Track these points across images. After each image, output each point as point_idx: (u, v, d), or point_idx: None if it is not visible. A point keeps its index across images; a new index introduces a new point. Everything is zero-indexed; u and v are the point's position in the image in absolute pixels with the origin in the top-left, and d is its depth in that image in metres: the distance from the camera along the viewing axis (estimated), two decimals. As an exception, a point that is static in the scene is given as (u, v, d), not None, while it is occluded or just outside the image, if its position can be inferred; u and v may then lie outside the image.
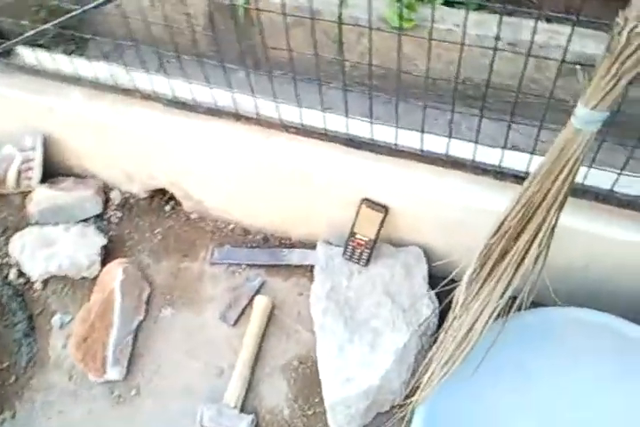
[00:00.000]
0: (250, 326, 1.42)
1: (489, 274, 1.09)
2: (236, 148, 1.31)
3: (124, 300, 1.41)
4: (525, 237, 1.00)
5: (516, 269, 1.04)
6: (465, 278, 1.10)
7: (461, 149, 1.13)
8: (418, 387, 1.25)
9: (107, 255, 1.53)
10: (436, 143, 1.14)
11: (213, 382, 1.37)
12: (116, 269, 1.43)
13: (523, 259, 1.03)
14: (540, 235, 0.99)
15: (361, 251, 1.33)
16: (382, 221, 1.29)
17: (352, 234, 1.33)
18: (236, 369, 1.36)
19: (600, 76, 0.79)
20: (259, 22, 1.23)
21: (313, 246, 1.51)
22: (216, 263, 1.53)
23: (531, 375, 1.23)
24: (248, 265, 1.52)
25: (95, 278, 1.50)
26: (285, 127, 1.23)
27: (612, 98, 0.81)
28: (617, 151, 1.05)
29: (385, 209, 1.27)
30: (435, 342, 1.30)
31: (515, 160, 1.11)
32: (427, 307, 1.32)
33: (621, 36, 0.74)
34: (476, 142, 1.08)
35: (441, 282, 1.30)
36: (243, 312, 1.46)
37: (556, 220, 0.98)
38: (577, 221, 1.12)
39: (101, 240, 1.53)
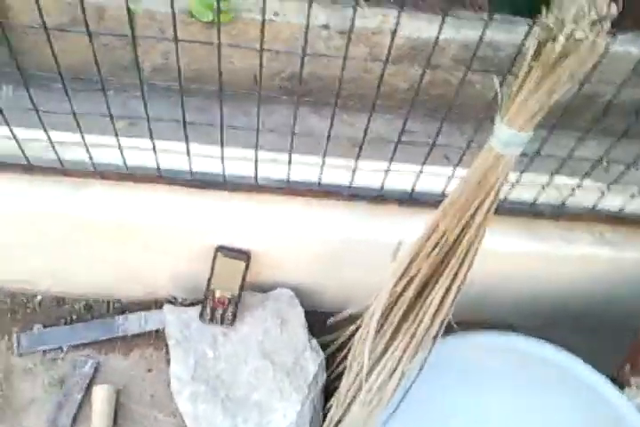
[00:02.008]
0: (93, 427, 1.15)
1: (400, 322, 0.96)
2: (32, 206, 1.01)
3: None
4: (445, 278, 0.88)
5: (437, 311, 0.92)
6: (369, 332, 0.96)
7: (335, 174, 0.97)
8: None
9: None
10: (304, 172, 0.96)
11: None
12: None
13: (443, 299, 0.91)
14: (461, 274, 0.87)
15: (223, 310, 1.13)
16: (245, 271, 1.09)
17: (210, 292, 1.11)
18: (86, 488, 1.10)
19: (529, 90, 0.68)
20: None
21: (153, 306, 1.27)
22: (26, 353, 1.22)
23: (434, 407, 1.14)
24: (72, 346, 1.23)
25: None
26: (101, 174, 0.97)
27: (541, 115, 0.70)
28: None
29: (246, 256, 1.08)
30: (326, 397, 1.17)
31: (397, 181, 0.98)
32: (312, 361, 1.16)
33: (557, 42, 0.63)
34: (354, 171, 0.93)
35: (317, 322, 1.19)
36: (79, 411, 1.18)
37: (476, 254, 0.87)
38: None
39: None
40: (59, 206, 1.01)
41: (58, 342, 1.23)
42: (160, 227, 1.03)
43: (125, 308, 1.28)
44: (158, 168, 0.96)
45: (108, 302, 1.28)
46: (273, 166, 0.94)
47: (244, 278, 1.10)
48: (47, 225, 1.06)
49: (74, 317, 1.26)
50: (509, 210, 1.00)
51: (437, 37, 0.75)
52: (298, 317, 1.18)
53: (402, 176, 0.96)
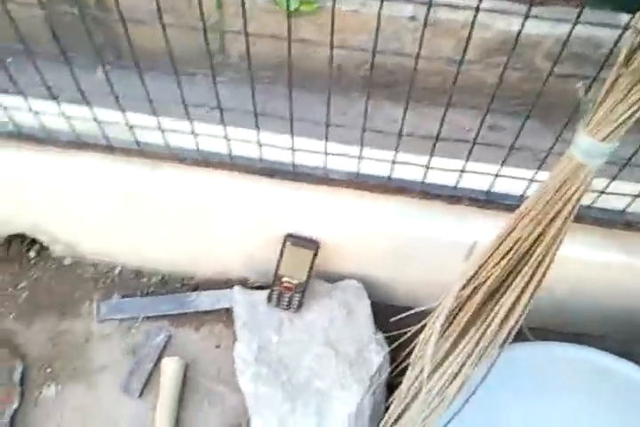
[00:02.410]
0: (161, 396, 1.19)
1: (466, 326, 0.92)
2: (113, 184, 1.05)
3: (-13, 392, 1.13)
4: (516, 286, 0.84)
5: (506, 318, 0.88)
6: (433, 335, 0.93)
7: (407, 170, 0.93)
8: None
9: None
10: (374, 166, 0.93)
11: (124, 475, 1.15)
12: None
13: (514, 306, 0.86)
14: (534, 283, 0.83)
15: (290, 296, 1.13)
16: (313, 260, 1.08)
17: (277, 277, 1.11)
18: (150, 454, 1.15)
19: (616, 99, 0.62)
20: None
21: (224, 285, 1.29)
22: (105, 320, 1.27)
23: (500, 414, 1.10)
24: (147, 317, 1.28)
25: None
26: (177, 158, 0.98)
27: (628, 126, 0.64)
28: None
29: (315, 245, 1.07)
30: (389, 391, 1.15)
31: (473, 180, 0.94)
32: (376, 354, 1.14)
33: (652, 48, 0.56)
34: (427, 168, 0.89)
35: (384, 315, 1.16)
36: (149, 379, 1.22)
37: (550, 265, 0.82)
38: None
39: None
40: (136, 186, 1.04)
41: (134, 312, 1.28)
42: (231, 212, 1.04)
43: (198, 285, 1.31)
44: (230, 155, 0.96)
45: (183, 279, 1.31)
46: (344, 159, 0.92)
47: (311, 267, 1.09)
48: (126, 202, 1.09)
49: (150, 289, 1.31)
50: (595, 219, 0.93)
51: (520, 31, 0.70)
52: (365, 309, 1.16)
53: (480, 175, 0.91)
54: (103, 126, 0.96)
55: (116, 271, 1.32)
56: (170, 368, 1.21)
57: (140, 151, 1.00)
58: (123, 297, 1.29)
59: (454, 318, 0.94)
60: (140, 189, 1.04)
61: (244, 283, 1.26)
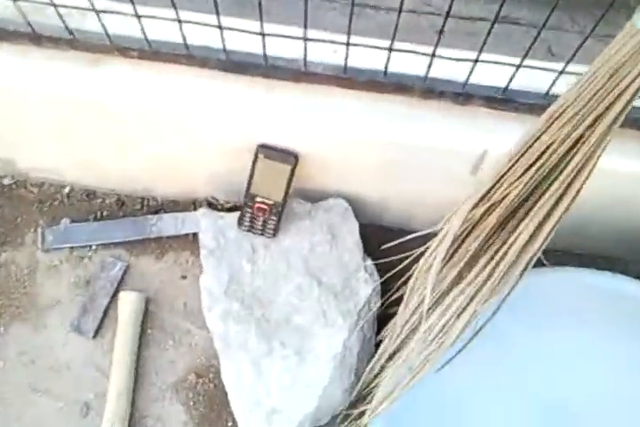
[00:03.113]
0: (118, 336, 1.06)
1: (476, 254, 0.78)
2: (44, 83, 0.87)
3: None
4: (541, 206, 0.69)
5: (526, 245, 0.73)
6: (435, 263, 0.79)
7: (407, 63, 0.76)
8: (367, 393, 0.98)
9: None
10: (367, 58, 0.76)
11: (78, 424, 1.02)
12: None
13: (537, 231, 0.72)
14: (565, 202, 0.68)
15: (264, 219, 0.97)
16: (291, 176, 0.93)
17: (249, 197, 0.96)
18: (108, 401, 1.02)
19: None
20: None
21: (190, 207, 1.13)
22: (52, 248, 1.12)
23: (510, 347, 0.99)
24: (101, 245, 1.12)
25: None
26: (120, 50, 0.79)
27: None
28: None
29: (293, 158, 0.91)
30: (380, 325, 1.03)
31: (486, 74, 0.76)
32: (364, 283, 1.01)
33: None
34: (432, 56, 0.71)
35: (374, 239, 1.02)
36: (104, 316, 1.08)
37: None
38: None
39: None
40: (73, 85, 0.86)
41: (86, 239, 1.12)
42: (190, 116, 0.87)
43: (161, 207, 1.15)
44: (186, 44, 0.77)
45: (143, 199, 1.15)
46: (329, 49, 0.74)
47: (289, 184, 0.93)
48: (63, 106, 0.91)
49: (104, 213, 1.15)
50: (635, 120, 0.77)
51: None
52: (352, 232, 1.02)
53: (494, 70, 0.74)
54: (24, 10, 0.77)
55: (65, 192, 1.16)
56: (128, 303, 1.08)
57: (73, 42, 0.81)
58: (72, 222, 1.14)
59: (461, 243, 0.79)
60: (78, 89, 0.86)
61: (214, 204, 1.10)
